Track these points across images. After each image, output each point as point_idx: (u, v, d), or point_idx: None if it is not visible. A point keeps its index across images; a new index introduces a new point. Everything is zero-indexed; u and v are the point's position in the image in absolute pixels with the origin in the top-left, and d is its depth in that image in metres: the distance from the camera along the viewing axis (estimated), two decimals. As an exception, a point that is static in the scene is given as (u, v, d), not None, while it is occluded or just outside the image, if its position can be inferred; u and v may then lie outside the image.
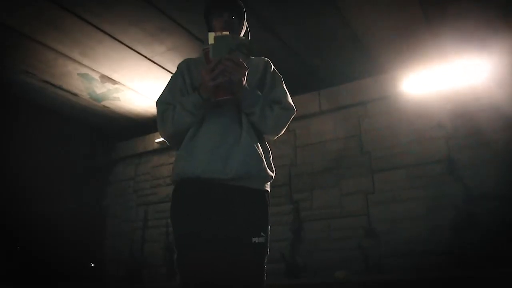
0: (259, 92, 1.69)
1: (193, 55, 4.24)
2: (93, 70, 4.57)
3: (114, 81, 4.79)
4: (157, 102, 1.77)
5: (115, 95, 5.13)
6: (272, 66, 1.86)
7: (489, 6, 3.53)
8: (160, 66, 4.49)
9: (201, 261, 1.56)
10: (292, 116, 1.74)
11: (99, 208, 6.18)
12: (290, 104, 1.75)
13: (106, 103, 5.34)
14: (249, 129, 1.67)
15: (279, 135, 1.78)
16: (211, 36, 1.58)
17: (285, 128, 1.75)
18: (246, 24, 1.91)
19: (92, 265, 5.95)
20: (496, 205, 3.62)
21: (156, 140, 5.75)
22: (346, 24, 3.80)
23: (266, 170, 1.67)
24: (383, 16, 3.72)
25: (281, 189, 4.71)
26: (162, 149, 5.79)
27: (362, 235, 4.13)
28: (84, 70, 4.58)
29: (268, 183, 1.72)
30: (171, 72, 4.57)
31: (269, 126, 1.68)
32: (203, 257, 1.56)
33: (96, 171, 6.38)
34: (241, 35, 1.85)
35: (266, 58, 1.88)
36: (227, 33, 1.60)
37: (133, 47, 4.17)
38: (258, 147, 1.68)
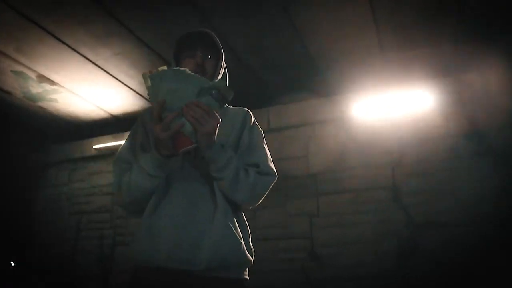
0: (232, 152, 1.40)
1: (140, 62, 4.09)
2: (30, 68, 4.23)
3: (52, 82, 4.47)
4: (113, 161, 1.52)
5: (52, 96, 4.79)
6: (253, 120, 1.60)
7: (442, 38, 3.64)
8: (104, 70, 4.24)
9: None
10: (272, 183, 1.49)
11: (28, 215, 5.74)
12: (270, 168, 1.50)
13: (42, 103, 4.98)
14: (223, 200, 1.38)
15: (257, 204, 1.50)
16: (163, 72, 1.28)
17: (263, 197, 1.49)
18: (224, 66, 1.64)
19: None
20: (438, 233, 3.71)
21: (94, 146, 5.44)
22: (302, 43, 3.77)
23: (245, 255, 1.38)
24: (339, 40, 3.72)
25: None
26: (100, 156, 5.49)
27: (306, 258, 4.10)
28: (19, 68, 4.23)
29: (246, 269, 1.45)
30: (115, 78, 4.36)
31: (243, 195, 1.39)
32: None
33: (27, 174, 5.92)
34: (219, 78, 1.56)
35: (246, 109, 1.62)
36: (187, 69, 1.29)
37: (77, 49, 3.90)
38: (234, 226, 1.39)
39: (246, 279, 1.44)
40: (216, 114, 1.29)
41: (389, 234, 3.89)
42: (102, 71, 4.25)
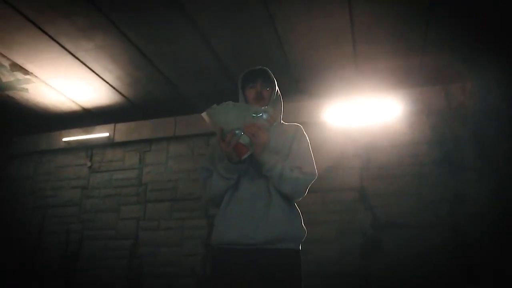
0: (278, 157, 1.79)
1: (122, 56, 4.12)
2: (4, 56, 4.13)
3: (26, 71, 4.39)
4: (199, 168, 2.01)
5: (24, 85, 4.69)
6: (302, 132, 1.99)
7: (411, 53, 3.91)
8: (82, 63, 4.21)
9: None
10: (312, 182, 1.85)
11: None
12: (311, 169, 1.86)
13: (11, 93, 4.85)
14: (277, 194, 1.78)
15: (301, 197, 1.87)
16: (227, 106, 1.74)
17: (305, 192, 1.85)
18: (279, 94, 2.08)
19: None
20: (400, 233, 3.96)
21: (64, 139, 5.36)
22: (280, 48, 3.92)
23: (296, 231, 1.82)
24: (317, 47, 3.91)
25: (196, 203, 4.68)
26: (68, 149, 5.41)
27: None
28: (-9, 55, 4.13)
29: (299, 243, 1.85)
30: (92, 70, 4.35)
31: (288, 188, 1.76)
32: None
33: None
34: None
35: (297, 124, 2.04)
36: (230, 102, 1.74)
37: (57, 39, 3.87)
38: (286, 210, 1.79)
39: (299, 249, 1.85)
40: (266, 131, 1.73)
41: (355, 233, 4.10)
42: (79, 63, 4.22)
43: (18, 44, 3.95)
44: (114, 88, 4.68)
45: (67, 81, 4.57)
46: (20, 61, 4.22)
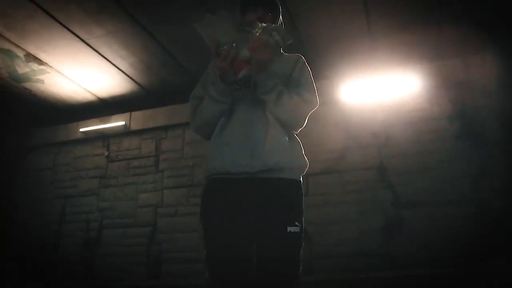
0: (278, 80, 1.62)
1: (134, 41, 4.10)
2: (18, 46, 4.17)
3: (40, 61, 4.41)
4: (190, 97, 1.80)
5: (39, 76, 4.72)
6: (304, 62, 1.82)
7: (428, 24, 3.79)
8: (95, 50, 4.21)
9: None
10: (312, 110, 1.71)
11: (7, 200, 5.62)
12: (312, 97, 1.72)
13: (27, 84, 4.89)
14: (275, 123, 1.62)
15: (300, 127, 1.73)
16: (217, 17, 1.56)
17: (304, 121, 1.70)
18: (282, 21, 1.87)
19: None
20: (423, 211, 3.86)
21: (81, 130, 5.39)
22: (292, 23, 3.83)
23: (295, 159, 1.66)
24: (329, 24, 3.83)
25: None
26: (85, 139, 5.45)
27: (294, 236, 4.16)
28: (7, 46, 4.15)
29: (300, 173, 1.69)
30: (105, 58, 4.34)
31: (284, 114, 1.61)
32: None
33: (8, 158, 5.81)
34: None
35: (299, 54, 1.84)
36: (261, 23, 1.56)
37: (69, 27, 3.87)
38: (285, 138, 1.64)
39: (300, 180, 1.68)
40: (271, 51, 1.52)
41: (375, 213, 4.01)
42: (92, 50, 4.22)
43: (30, 33, 3.96)
44: (127, 75, 4.67)
45: (81, 70, 4.58)
46: (34, 51, 4.24)
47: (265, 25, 1.57)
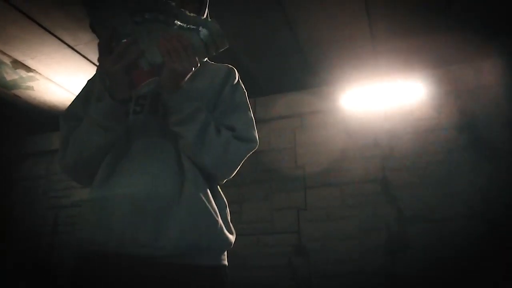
0: (200, 103, 1.10)
1: (123, 48, 3.91)
2: (4, 53, 4.00)
3: (28, 68, 4.25)
4: (61, 116, 1.23)
5: (28, 83, 4.56)
6: (237, 78, 1.33)
7: (434, 29, 3.55)
8: (84, 56, 4.03)
9: None
10: (250, 152, 1.20)
11: (1, 209, 5.48)
12: (250, 133, 1.20)
13: (17, 91, 4.74)
14: (194, 171, 1.09)
15: (230, 176, 1.20)
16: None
17: (237, 168, 1.19)
18: (207, 11, 1.32)
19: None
20: (428, 227, 3.63)
21: (73, 137, 5.22)
22: (291, 31, 3.64)
23: (223, 236, 1.09)
24: (329, 28, 3.60)
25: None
26: (79, 147, 5.27)
27: (292, 252, 3.97)
28: (-8, 53, 4.00)
29: (225, 254, 1.15)
30: (95, 65, 4.14)
31: (211, 159, 1.08)
32: None
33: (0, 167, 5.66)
34: None
35: (230, 66, 1.34)
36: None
37: (55, 32, 3.69)
38: (208, 199, 1.09)
39: (225, 265, 1.14)
40: (196, 57, 1.03)
41: (378, 228, 3.79)
42: (81, 57, 4.05)
43: (16, 39, 3.80)
44: (119, 82, 4.48)
45: (70, 77, 4.41)
46: (21, 57, 4.08)
47: (190, 15, 1.04)
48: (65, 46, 3.88)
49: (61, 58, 4.08)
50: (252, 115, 1.28)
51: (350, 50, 3.88)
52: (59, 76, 4.39)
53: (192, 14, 1.05)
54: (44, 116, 5.26)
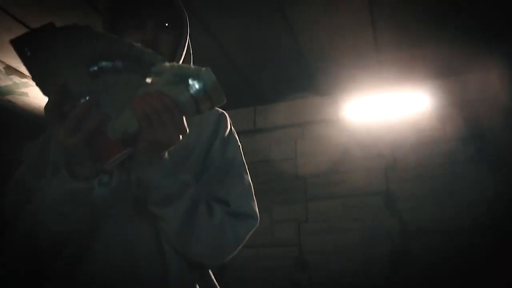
0: (188, 176, 0.88)
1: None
2: (-3, 59, 3.90)
3: (22, 74, 4.15)
4: (8, 186, 0.99)
5: (23, 89, 4.47)
6: (229, 126, 1.08)
7: (440, 38, 3.46)
8: (79, 63, 3.93)
9: None
10: (251, 231, 0.98)
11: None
12: (248, 207, 0.99)
13: (11, 97, 4.64)
14: (177, 260, 0.88)
15: (225, 260, 0.96)
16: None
17: (236, 250, 0.95)
18: (188, 42, 1.04)
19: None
20: (433, 241, 3.55)
21: (69, 144, 5.11)
22: (293, 39, 3.54)
23: None
24: (333, 37, 3.51)
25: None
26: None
27: (293, 265, 3.88)
28: (-15, 59, 3.89)
29: None
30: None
31: (202, 248, 0.87)
32: None
33: (-6, 173, 5.55)
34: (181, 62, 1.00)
35: (219, 110, 1.07)
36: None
37: (49, 39, 3.59)
38: None
39: None
40: (184, 121, 0.78)
41: (381, 242, 3.70)
42: (76, 63, 3.94)
43: (8, 45, 3.64)
44: (116, 88, 4.39)
45: (66, 83, 4.30)
46: (14, 64, 3.98)
47: (174, 65, 0.78)
48: (60, 52, 3.78)
49: (56, 65, 3.98)
50: (249, 177, 1.06)
51: (354, 59, 3.79)
52: (54, 83, 4.29)
53: (176, 64, 0.80)
54: (39, 122, 5.16)
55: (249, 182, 1.06)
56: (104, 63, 0.77)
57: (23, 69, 4.03)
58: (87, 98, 0.78)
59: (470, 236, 3.48)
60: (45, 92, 0.81)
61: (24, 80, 4.23)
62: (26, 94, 4.56)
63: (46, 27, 0.81)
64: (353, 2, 3.13)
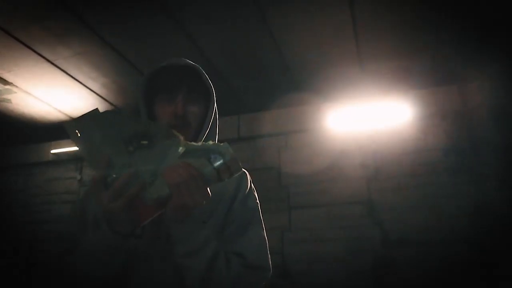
0: (210, 231, 1.01)
1: (104, 62, 3.78)
2: (-20, 67, 3.86)
3: (5, 81, 4.11)
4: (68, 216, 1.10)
5: (6, 96, 4.42)
6: (249, 185, 1.20)
7: (421, 50, 3.51)
8: (64, 71, 3.91)
9: None
10: (265, 281, 1.11)
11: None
12: (263, 260, 1.10)
13: (-6, 104, 4.59)
14: None
15: None
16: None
17: None
18: (217, 117, 1.19)
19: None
20: (415, 251, 3.58)
21: (52, 151, 5.07)
22: (276, 48, 3.57)
23: None
24: (316, 48, 3.54)
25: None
26: (58, 161, 5.13)
27: (276, 275, 3.88)
28: (-32, 66, 3.85)
29: None
30: (76, 80, 4.05)
31: None
32: None
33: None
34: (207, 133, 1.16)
35: (243, 170, 1.09)
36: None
37: (33, 47, 3.57)
38: None
39: None
40: (207, 189, 0.93)
41: (363, 251, 3.72)
42: (61, 71, 3.92)
43: (-8, 53, 3.66)
44: (100, 96, 4.37)
45: (50, 91, 4.28)
46: (-3, 71, 3.94)
47: (198, 144, 0.96)
48: (44, 60, 3.75)
49: (40, 72, 3.94)
50: (264, 230, 1.16)
51: (337, 70, 3.82)
52: (37, 90, 4.26)
53: (199, 143, 0.96)
54: (22, 129, 5.11)
55: (265, 237, 1.15)
56: (139, 143, 0.94)
57: (6, 76, 4.01)
58: (127, 170, 0.93)
59: (451, 246, 3.52)
60: (91, 166, 0.97)
61: (7, 87, 4.19)
62: (9, 101, 4.50)
63: (92, 112, 0.95)
64: (337, 16, 3.17)
